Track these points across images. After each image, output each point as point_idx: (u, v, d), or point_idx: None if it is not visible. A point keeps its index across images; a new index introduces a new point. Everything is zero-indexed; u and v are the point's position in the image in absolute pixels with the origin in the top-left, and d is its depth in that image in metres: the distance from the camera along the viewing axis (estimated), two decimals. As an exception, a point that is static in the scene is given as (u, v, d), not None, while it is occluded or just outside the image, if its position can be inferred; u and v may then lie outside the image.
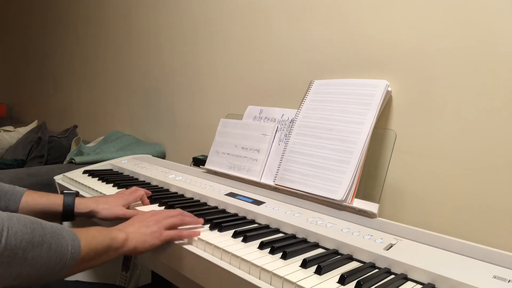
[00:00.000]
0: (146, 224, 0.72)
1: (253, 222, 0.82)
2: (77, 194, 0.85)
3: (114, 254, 0.65)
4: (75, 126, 1.94)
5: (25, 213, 0.78)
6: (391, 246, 0.65)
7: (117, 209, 0.83)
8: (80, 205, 0.82)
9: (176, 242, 0.72)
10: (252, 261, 0.61)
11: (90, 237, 0.61)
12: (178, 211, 0.78)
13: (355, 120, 0.88)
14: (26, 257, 0.51)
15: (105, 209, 0.82)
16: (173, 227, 0.73)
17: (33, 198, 0.80)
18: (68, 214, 0.82)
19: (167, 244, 0.73)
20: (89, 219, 0.86)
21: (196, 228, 0.76)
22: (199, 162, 1.25)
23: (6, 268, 0.49)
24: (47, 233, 0.54)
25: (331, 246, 0.70)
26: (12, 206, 0.78)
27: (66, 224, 0.99)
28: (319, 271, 0.58)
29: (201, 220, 0.77)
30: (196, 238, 0.70)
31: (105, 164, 1.36)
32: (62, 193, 0.84)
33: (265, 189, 0.99)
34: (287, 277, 0.56)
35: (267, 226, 0.80)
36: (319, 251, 0.69)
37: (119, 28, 1.99)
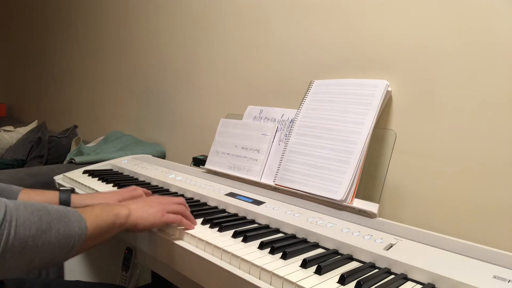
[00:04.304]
0: (150, 204, 0.74)
1: (253, 222, 0.82)
2: (72, 190, 0.85)
3: (118, 230, 0.67)
4: (75, 126, 1.94)
5: None
6: (391, 246, 0.65)
7: (113, 203, 0.83)
8: (76, 201, 0.83)
9: (175, 241, 0.72)
10: (252, 261, 0.61)
11: (95, 216, 0.63)
12: (181, 199, 0.80)
13: (355, 120, 0.88)
14: (36, 244, 0.52)
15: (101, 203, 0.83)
16: (174, 213, 0.75)
17: (29, 196, 0.80)
18: None
19: (167, 244, 0.73)
20: None
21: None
22: (199, 162, 1.25)
23: (19, 257, 0.50)
24: (53, 218, 0.55)
25: (331, 246, 0.70)
26: None
27: None
28: (319, 271, 0.58)
29: (195, 221, 0.78)
30: (196, 238, 0.70)
31: (105, 164, 1.36)
32: (57, 189, 0.85)
33: (265, 189, 0.99)
34: (287, 277, 0.56)
35: (267, 226, 0.80)
36: (319, 251, 0.69)
37: (119, 28, 1.99)
